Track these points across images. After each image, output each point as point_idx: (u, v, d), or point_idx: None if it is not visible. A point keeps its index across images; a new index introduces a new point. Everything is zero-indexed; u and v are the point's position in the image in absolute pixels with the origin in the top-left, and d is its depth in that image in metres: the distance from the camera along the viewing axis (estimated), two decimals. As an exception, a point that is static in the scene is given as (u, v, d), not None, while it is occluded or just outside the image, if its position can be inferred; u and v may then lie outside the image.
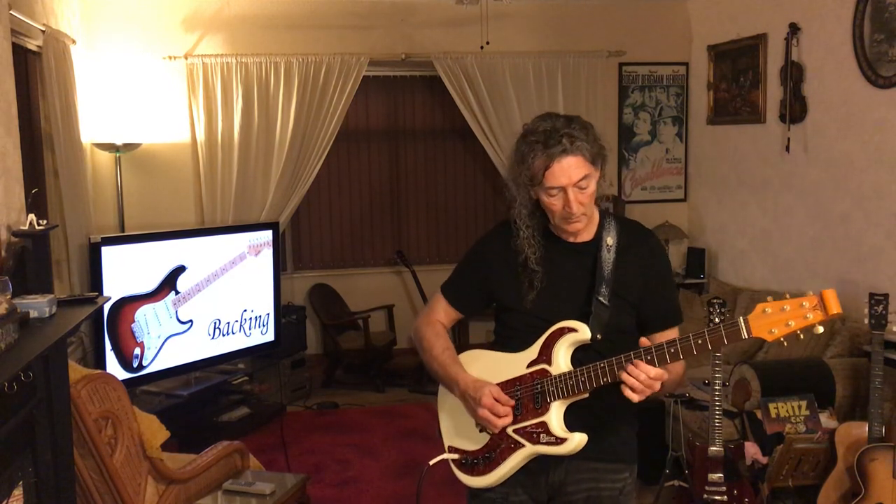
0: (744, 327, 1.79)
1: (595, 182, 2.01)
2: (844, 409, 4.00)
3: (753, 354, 4.86)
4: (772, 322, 1.77)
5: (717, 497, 3.51)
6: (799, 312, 1.75)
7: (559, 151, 1.94)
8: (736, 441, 3.84)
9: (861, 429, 3.53)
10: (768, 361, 4.52)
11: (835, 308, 1.71)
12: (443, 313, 2.28)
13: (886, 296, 3.54)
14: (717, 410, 3.52)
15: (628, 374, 1.89)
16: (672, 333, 2.07)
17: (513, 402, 2.05)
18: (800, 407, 3.85)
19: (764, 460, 3.72)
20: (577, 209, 1.99)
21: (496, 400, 2.04)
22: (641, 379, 1.88)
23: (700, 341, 1.84)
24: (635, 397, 1.90)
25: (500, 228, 2.20)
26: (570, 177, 1.96)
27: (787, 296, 1.77)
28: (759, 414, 3.90)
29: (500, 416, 2.04)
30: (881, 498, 3.39)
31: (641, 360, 1.89)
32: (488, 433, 2.11)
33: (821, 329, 1.74)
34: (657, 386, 1.90)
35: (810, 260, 5.12)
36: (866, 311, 3.55)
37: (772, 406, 3.85)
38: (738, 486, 3.57)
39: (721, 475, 3.52)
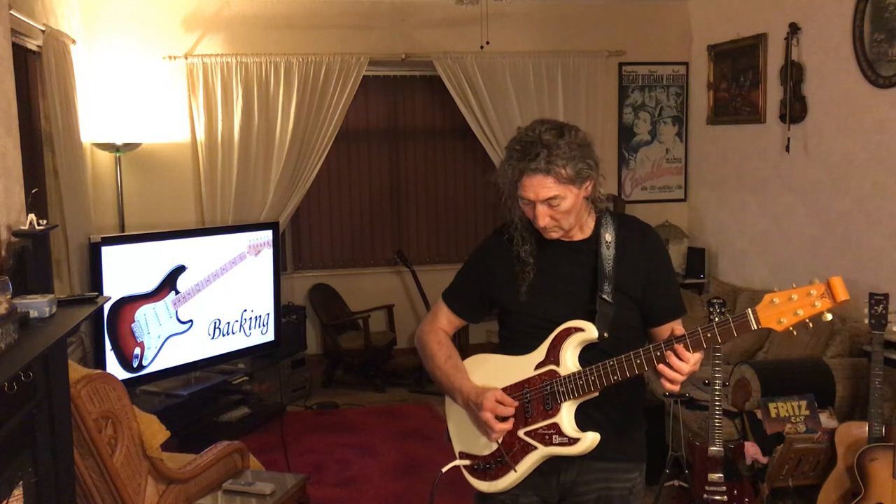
0: (752, 318, 1.78)
1: (572, 200, 1.99)
2: (844, 409, 4.00)
3: (753, 354, 4.86)
4: (780, 312, 1.76)
5: (717, 497, 3.51)
6: (807, 301, 1.74)
7: (531, 168, 1.94)
8: (736, 441, 3.84)
9: (861, 429, 3.53)
10: (768, 361, 4.52)
11: (842, 295, 1.72)
12: (445, 320, 2.28)
13: (886, 296, 3.53)
14: (717, 410, 3.52)
15: (669, 366, 1.87)
16: (676, 325, 2.07)
17: (516, 404, 2.05)
18: (800, 407, 3.85)
19: (764, 460, 3.72)
20: (545, 223, 2.00)
21: (499, 403, 2.04)
22: (686, 372, 1.86)
23: (710, 334, 1.84)
24: (676, 388, 1.90)
25: (498, 232, 2.21)
26: (538, 194, 1.97)
27: (794, 285, 1.77)
28: (759, 414, 3.90)
29: (502, 419, 2.04)
30: (881, 498, 3.39)
31: (653, 357, 1.89)
32: (497, 440, 2.09)
33: (829, 316, 1.75)
34: (697, 367, 1.90)
35: (810, 260, 5.12)
36: (866, 311, 3.54)
37: (772, 406, 3.85)
38: (738, 486, 3.57)
39: (721, 475, 3.52)
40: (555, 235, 2.05)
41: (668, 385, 1.89)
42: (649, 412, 4.17)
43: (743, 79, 5.78)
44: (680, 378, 1.87)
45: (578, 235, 2.10)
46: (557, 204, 1.97)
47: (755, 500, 3.63)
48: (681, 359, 1.86)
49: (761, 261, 5.65)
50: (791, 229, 5.31)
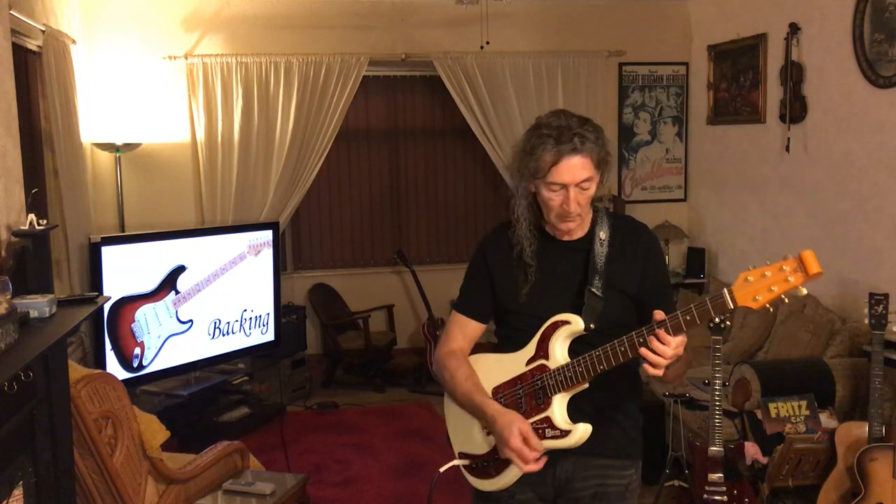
0: (728, 298, 1.79)
1: (595, 185, 2.02)
2: (844, 409, 4.00)
3: (753, 354, 4.86)
4: (755, 289, 1.77)
5: (717, 497, 3.51)
6: (780, 276, 1.76)
7: (569, 149, 1.95)
8: (736, 441, 3.84)
9: (861, 429, 3.53)
10: (768, 361, 4.52)
11: (814, 268, 1.72)
12: (460, 335, 2.22)
13: (886, 296, 3.53)
14: (717, 410, 3.52)
15: (652, 350, 1.85)
16: (658, 312, 2.07)
17: (542, 448, 2.01)
18: (800, 407, 3.85)
19: (764, 460, 3.72)
20: (575, 208, 2.00)
21: (525, 440, 2.00)
22: (669, 356, 1.84)
23: (688, 317, 1.83)
24: (658, 372, 1.87)
25: (497, 231, 2.21)
26: (575, 176, 1.97)
27: (768, 262, 1.78)
28: (759, 414, 3.90)
29: (527, 461, 1.99)
30: (881, 498, 3.39)
31: (636, 343, 1.88)
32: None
33: (804, 291, 1.75)
34: (680, 350, 1.87)
35: (810, 260, 5.11)
36: (866, 311, 3.54)
37: (772, 406, 3.85)
38: (738, 486, 3.57)
39: (721, 475, 3.52)
40: (573, 226, 2.06)
41: (650, 370, 1.87)
42: (649, 412, 4.17)
43: (743, 79, 5.78)
44: (662, 362, 1.85)
45: (576, 234, 2.11)
46: (588, 187, 2.00)
47: (755, 500, 3.63)
48: (662, 342, 1.85)
49: (761, 261, 5.58)
50: (791, 229, 5.31)
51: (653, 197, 6.66)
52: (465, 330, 2.22)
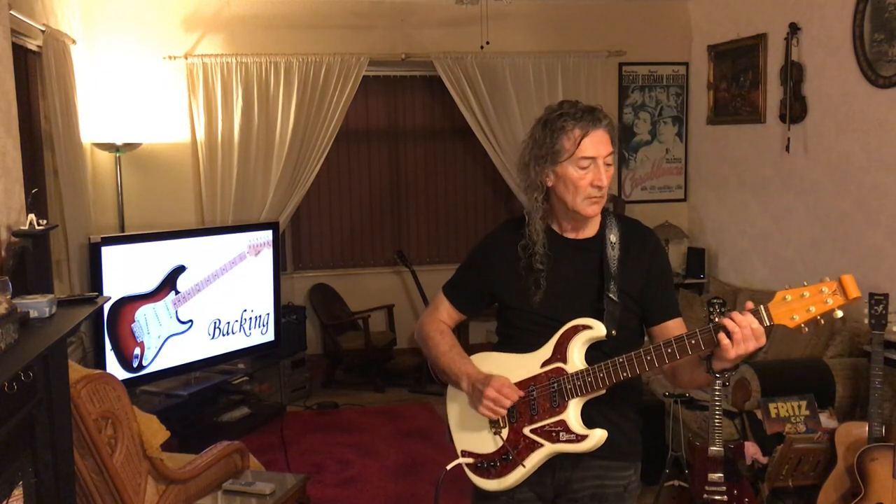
0: (765, 315, 1.80)
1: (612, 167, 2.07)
2: (844, 409, 4.00)
3: (753, 354, 4.86)
4: (793, 309, 1.78)
5: (717, 497, 3.51)
6: (819, 298, 1.76)
7: (593, 124, 2.03)
8: (736, 441, 3.84)
9: (861, 429, 3.54)
10: (768, 361, 4.51)
11: (854, 292, 1.74)
12: (445, 314, 2.28)
13: (886, 296, 3.53)
14: (717, 410, 3.52)
15: (733, 322, 1.79)
16: (677, 324, 2.09)
17: (522, 393, 2.06)
18: (800, 407, 3.85)
19: (764, 460, 3.72)
20: (606, 182, 2.03)
21: (508, 387, 2.05)
22: (747, 333, 1.79)
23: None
24: (733, 352, 1.81)
25: (505, 227, 2.21)
26: (600, 150, 2.02)
27: (805, 283, 1.78)
28: (759, 414, 3.90)
29: (507, 398, 2.04)
30: (881, 498, 3.39)
31: (663, 353, 1.89)
32: (502, 438, 2.10)
33: (840, 314, 1.76)
34: (762, 340, 1.82)
35: (810, 260, 5.12)
36: (866, 311, 3.55)
37: (772, 406, 3.85)
38: (738, 486, 3.57)
39: (721, 475, 3.52)
40: (598, 209, 2.07)
41: (730, 349, 1.80)
42: (649, 412, 4.17)
43: (743, 79, 5.78)
44: (740, 333, 1.78)
45: (585, 233, 2.11)
46: (610, 164, 2.05)
47: (755, 500, 3.63)
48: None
49: (761, 261, 5.65)
50: (791, 229, 5.31)
51: (653, 197, 6.65)
52: (451, 314, 2.29)
